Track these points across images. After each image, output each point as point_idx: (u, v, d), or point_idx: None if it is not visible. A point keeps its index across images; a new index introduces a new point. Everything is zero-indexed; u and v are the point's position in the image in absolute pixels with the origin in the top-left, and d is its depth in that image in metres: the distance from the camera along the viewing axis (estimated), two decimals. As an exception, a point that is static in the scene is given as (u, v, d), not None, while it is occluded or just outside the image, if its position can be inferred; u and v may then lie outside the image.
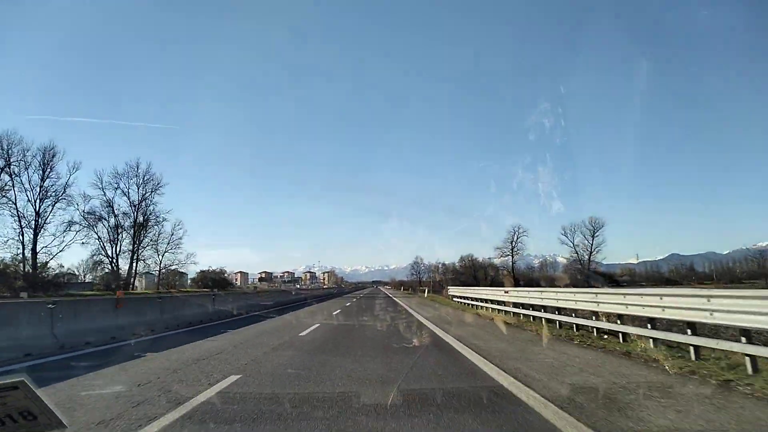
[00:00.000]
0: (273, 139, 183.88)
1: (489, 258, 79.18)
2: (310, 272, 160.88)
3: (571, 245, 67.93)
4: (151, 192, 49.83)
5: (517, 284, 51.04)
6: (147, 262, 51.91)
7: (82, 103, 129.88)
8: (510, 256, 72.82)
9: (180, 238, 54.01)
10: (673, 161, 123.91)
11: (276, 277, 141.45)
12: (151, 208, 49.92)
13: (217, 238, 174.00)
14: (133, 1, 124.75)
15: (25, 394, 1.10)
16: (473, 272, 75.29)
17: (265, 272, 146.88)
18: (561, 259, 75.46)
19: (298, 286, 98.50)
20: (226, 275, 73.66)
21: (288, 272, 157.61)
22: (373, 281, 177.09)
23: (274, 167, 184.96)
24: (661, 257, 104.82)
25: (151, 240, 51.38)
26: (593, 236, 65.94)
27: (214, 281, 64.41)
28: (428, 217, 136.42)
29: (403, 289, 73.47)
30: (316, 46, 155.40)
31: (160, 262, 52.98)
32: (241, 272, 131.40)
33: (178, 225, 54.46)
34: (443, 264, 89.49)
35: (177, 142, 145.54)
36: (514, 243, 71.64)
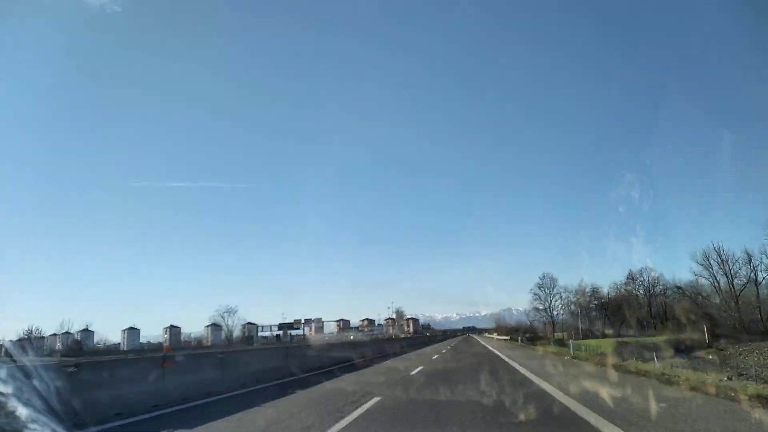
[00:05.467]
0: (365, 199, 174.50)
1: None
2: (391, 318, 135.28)
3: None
4: None
5: None
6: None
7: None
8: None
9: None
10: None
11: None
12: None
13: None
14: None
15: None
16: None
17: (342, 320, 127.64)
18: None
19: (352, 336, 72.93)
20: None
21: (368, 319, 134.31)
22: (464, 327, 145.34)
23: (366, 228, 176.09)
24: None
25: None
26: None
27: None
28: (521, 267, 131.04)
29: (527, 339, 42.70)
30: (416, 110, 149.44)
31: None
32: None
33: None
34: (594, 290, 56.27)
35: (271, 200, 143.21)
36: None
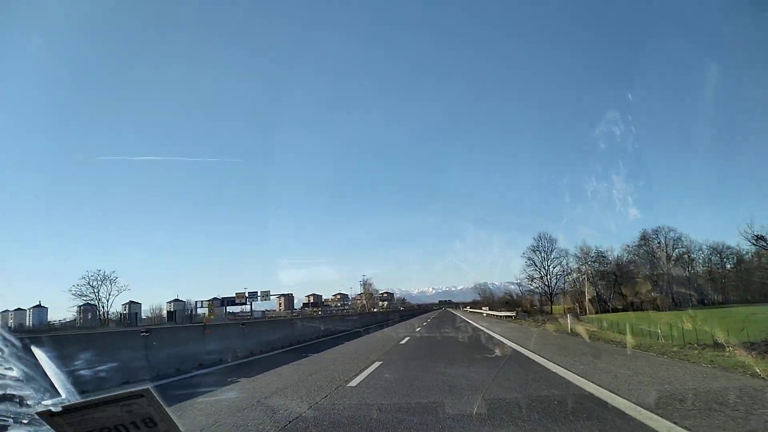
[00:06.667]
0: (350, 158, 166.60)
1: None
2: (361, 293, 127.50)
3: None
4: None
5: None
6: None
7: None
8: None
9: None
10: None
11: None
12: None
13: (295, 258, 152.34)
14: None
15: (149, 402, 1.13)
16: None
17: (313, 295, 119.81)
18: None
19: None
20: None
21: (340, 294, 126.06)
22: (440, 302, 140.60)
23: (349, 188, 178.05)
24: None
25: None
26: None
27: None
28: (497, 237, 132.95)
29: (524, 313, 35.10)
30: (400, 66, 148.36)
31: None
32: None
33: None
34: (600, 254, 45.43)
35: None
36: None
